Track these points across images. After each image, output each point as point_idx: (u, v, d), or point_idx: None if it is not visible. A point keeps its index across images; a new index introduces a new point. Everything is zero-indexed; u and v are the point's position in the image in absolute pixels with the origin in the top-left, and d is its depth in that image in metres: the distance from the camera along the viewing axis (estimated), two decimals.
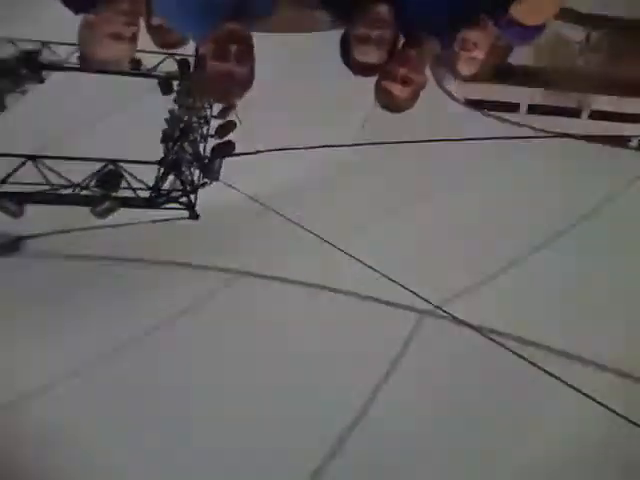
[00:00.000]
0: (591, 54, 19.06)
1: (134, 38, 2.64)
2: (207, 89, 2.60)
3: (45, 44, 11.20)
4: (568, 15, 15.85)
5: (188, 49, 10.45)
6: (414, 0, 2.72)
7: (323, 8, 2.93)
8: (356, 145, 9.93)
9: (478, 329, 6.86)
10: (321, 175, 9.68)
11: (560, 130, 11.91)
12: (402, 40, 2.82)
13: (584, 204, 9.67)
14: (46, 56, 11.33)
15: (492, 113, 12.67)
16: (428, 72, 2.89)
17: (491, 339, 6.66)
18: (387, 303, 7.42)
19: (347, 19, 2.71)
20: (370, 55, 2.67)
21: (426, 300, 6.93)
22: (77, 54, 10.62)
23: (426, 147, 9.55)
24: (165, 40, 2.87)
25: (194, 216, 8.10)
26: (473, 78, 2.78)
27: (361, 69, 2.75)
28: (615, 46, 17.88)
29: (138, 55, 11.01)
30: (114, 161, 8.05)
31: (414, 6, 2.73)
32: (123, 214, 7.72)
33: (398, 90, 2.70)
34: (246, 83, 2.50)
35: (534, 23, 2.53)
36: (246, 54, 2.46)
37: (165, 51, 10.84)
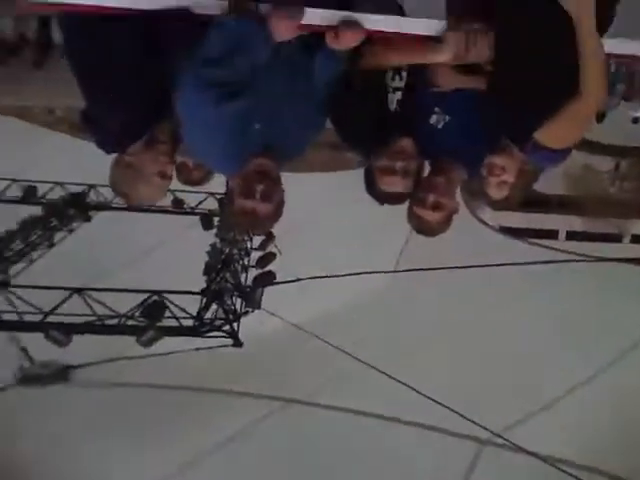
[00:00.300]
0: (623, 182, 19.35)
1: (171, 176, 2.79)
2: (234, 222, 2.65)
3: (91, 187, 11.68)
4: (593, 147, 16.25)
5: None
6: (436, 133, 2.79)
7: (351, 148, 3.00)
8: (396, 272, 9.93)
9: (540, 457, 6.45)
10: (362, 301, 9.64)
11: (601, 255, 11.81)
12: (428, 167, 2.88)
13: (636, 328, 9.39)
14: (93, 197, 11.79)
15: (531, 240, 12.69)
16: (460, 200, 2.90)
17: (555, 467, 6.23)
18: (443, 432, 7.07)
19: (371, 154, 2.76)
20: (395, 186, 2.70)
21: (485, 428, 6.58)
22: None
23: (468, 273, 9.50)
24: (189, 178, 2.91)
25: (238, 344, 8.01)
26: (505, 202, 2.78)
27: (387, 199, 2.77)
28: None
29: (180, 195, 11.49)
30: (158, 292, 8.11)
31: (437, 138, 2.79)
32: (168, 343, 7.67)
33: (429, 216, 2.70)
34: (270, 220, 2.52)
35: (559, 147, 2.52)
36: (272, 192, 2.46)
37: (206, 190, 11.31)
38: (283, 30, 2.40)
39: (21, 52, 13.55)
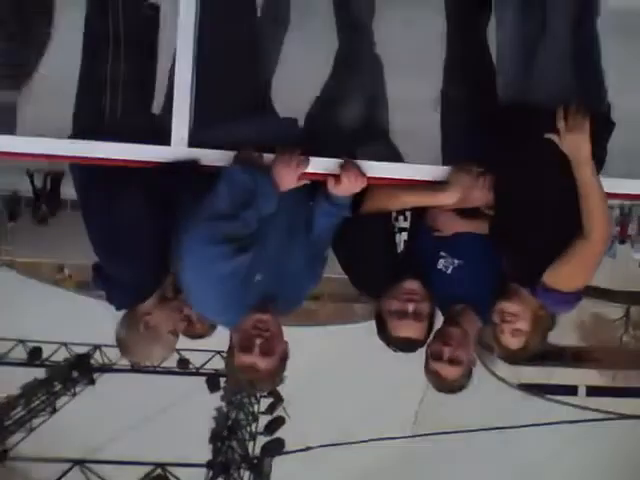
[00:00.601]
0: (635, 330, 19.06)
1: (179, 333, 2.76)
2: (235, 379, 2.54)
3: (97, 347, 11.52)
4: (601, 294, 16.17)
5: None
6: (446, 278, 2.73)
7: (362, 292, 2.95)
8: (413, 437, 9.51)
9: None
10: (378, 468, 9.18)
11: (626, 411, 11.37)
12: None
13: None
14: (97, 358, 11.59)
15: (550, 397, 12.27)
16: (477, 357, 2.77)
17: None
18: None
19: (381, 297, 2.68)
20: (408, 330, 2.59)
21: None
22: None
23: (489, 434, 9.10)
24: (192, 330, 2.84)
25: None
26: (521, 354, 2.62)
27: (400, 344, 2.64)
28: None
29: (186, 354, 11.29)
30: (162, 465, 7.70)
31: (447, 284, 2.73)
32: None
33: (447, 370, 2.58)
34: (272, 375, 2.43)
35: (570, 289, 2.43)
36: (272, 346, 2.39)
37: (212, 349, 11.11)
38: (288, 179, 2.40)
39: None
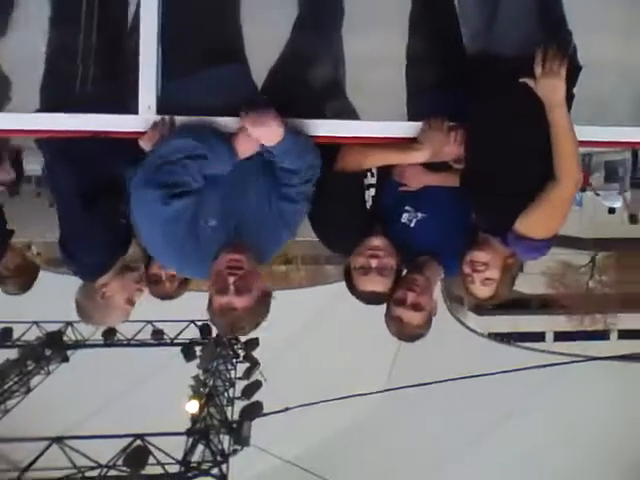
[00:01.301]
0: (601, 276, 19.47)
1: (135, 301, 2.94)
2: (216, 325, 2.53)
3: (68, 324, 11.41)
4: (568, 241, 16.45)
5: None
6: (410, 231, 2.80)
7: (335, 252, 3.02)
8: (387, 391, 9.66)
9: None
10: (357, 426, 9.32)
11: (593, 353, 11.70)
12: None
13: None
14: (69, 335, 11.49)
15: (519, 344, 12.55)
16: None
17: None
18: None
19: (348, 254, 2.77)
20: (373, 284, 2.68)
21: None
22: (102, 330, 10.85)
23: (458, 383, 9.28)
24: (161, 290, 2.96)
25: None
26: (491, 302, 2.70)
27: (368, 299, 2.73)
28: (623, 264, 18.34)
29: (159, 325, 11.26)
30: (140, 436, 7.72)
31: (411, 237, 2.80)
32: None
33: (409, 316, 2.66)
34: (251, 314, 2.43)
35: (542, 236, 2.48)
36: (247, 284, 2.38)
37: (187, 319, 11.09)
38: (247, 147, 2.42)
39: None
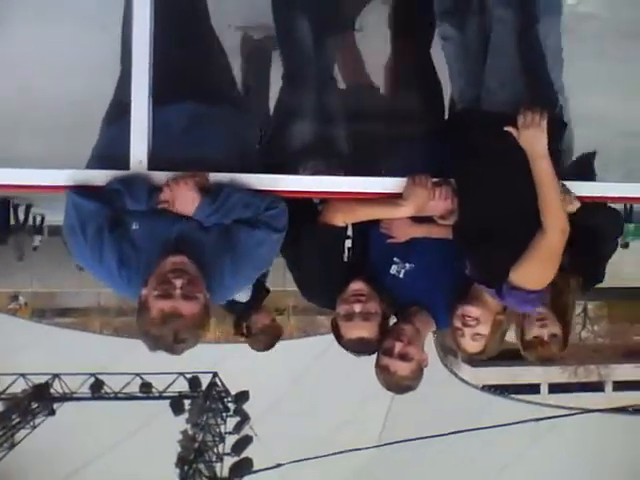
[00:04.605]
0: (593, 326, 19.42)
1: None
2: (152, 337, 2.25)
3: (55, 376, 11.24)
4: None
5: (200, 367, 10.55)
6: (399, 283, 2.78)
7: (318, 305, 3.00)
8: (380, 446, 9.50)
9: None
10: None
11: (588, 406, 11.58)
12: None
13: None
14: (57, 388, 11.31)
15: (514, 397, 12.42)
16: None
17: None
18: None
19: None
20: (358, 330, 2.63)
21: None
22: (89, 382, 10.70)
23: (457, 437, 9.15)
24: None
25: None
26: (481, 356, 2.67)
27: (355, 347, 2.68)
28: (615, 314, 18.33)
29: (148, 378, 11.09)
30: None
31: (400, 288, 2.78)
32: None
33: (397, 366, 2.61)
34: (197, 323, 2.22)
35: (533, 288, 2.45)
36: (193, 289, 2.22)
37: (176, 371, 10.95)
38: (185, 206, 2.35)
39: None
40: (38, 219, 12.07)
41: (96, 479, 8.99)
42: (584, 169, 2.83)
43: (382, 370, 2.65)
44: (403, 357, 2.62)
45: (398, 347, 2.62)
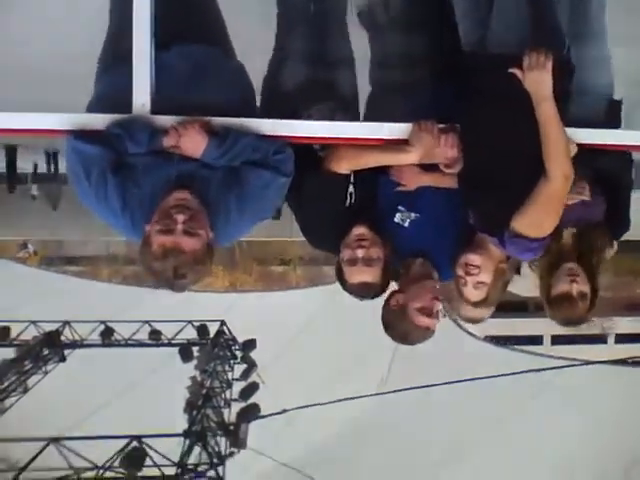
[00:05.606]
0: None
1: None
2: (154, 273, 2.28)
3: (66, 323, 11.41)
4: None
5: (208, 315, 10.69)
6: (403, 231, 2.81)
7: (322, 250, 3.05)
8: (384, 394, 9.66)
9: None
10: (354, 428, 9.32)
11: (589, 357, 11.70)
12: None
13: None
14: (67, 335, 11.48)
15: (517, 347, 12.54)
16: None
17: None
18: None
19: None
20: (361, 275, 2.67)
21: None
22: (99, 330, 10.86)
23: (458, 387, 9.27)
24: None
25: None
26: (483, 305, 2.71)
27: (358, 292, 2.73)
28: (620, 267, 18.37)
29: (157, 326, 11.24)
30: (137, 437, 7.70)
31: (404, 237, 2.81)
32: None
33: (422, 321, 2.69)
34: (197, 261, 2.25)
35: (535, 236, 2.46)
36: (195, 226, 2.23)
37: (184, 319, 11.08)
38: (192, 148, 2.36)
39: None
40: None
41: (106, 424, 9.17)
42: (610, 117, 2.78)
43: (410, 324, 2.71)
44: (429, 313, 2.70)
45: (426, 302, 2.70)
